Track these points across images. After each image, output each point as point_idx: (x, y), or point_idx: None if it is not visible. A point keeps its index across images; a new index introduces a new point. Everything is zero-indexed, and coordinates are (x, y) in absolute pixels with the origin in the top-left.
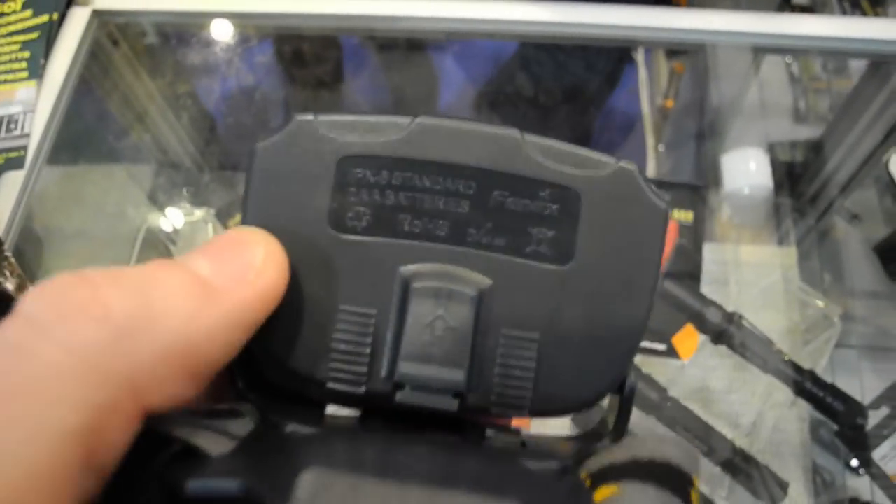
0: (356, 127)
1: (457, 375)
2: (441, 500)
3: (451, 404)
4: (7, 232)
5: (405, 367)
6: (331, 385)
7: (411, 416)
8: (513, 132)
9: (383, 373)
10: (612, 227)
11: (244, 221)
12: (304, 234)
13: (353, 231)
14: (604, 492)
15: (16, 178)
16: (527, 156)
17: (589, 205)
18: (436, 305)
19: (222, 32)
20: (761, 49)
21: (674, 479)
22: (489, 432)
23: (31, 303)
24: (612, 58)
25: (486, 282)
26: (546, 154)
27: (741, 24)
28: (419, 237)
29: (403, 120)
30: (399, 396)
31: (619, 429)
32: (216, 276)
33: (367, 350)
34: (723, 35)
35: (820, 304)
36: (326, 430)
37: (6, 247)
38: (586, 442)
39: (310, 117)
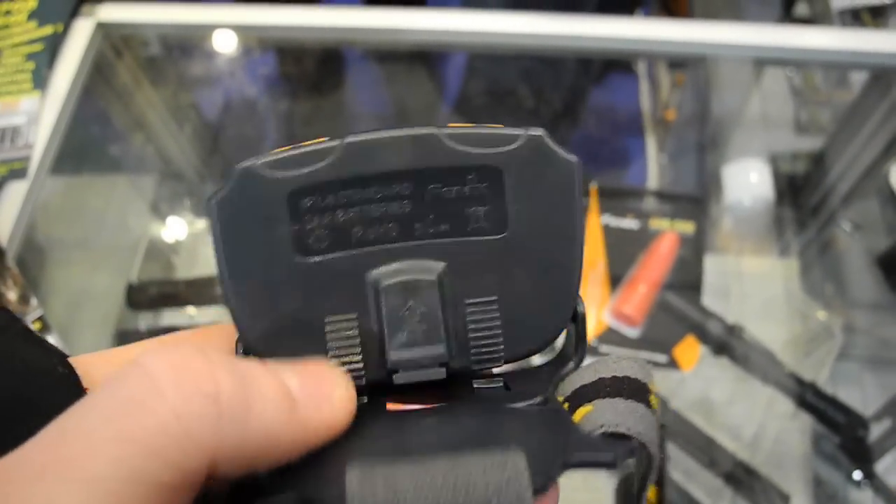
0: (293, 161)
1: (438, 349)
2: (459, 464)
3: (440, 373)
4: (10, 242)
5: (394, 355)
6: None
7: (409, 386)
8: (431, 130)
9: (377, 363)
10: (535, 187)
11: (220, 276)
12: (277, 268)
13: (317, 252)
14: (581, 412)
15: (19, 188)
16: (448, 148)
17: (510, 175)
18: (405, 297)
19: (225, 44)
20: (763, 61)
21: (635, 389)
22: (476, 383)
23: (154, 362)
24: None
25: (441, 265)
26: (464, 142)
27: (743, 36)
28: (375, 242)
29: (333, 143)
30: (396, 378)
31: (581, 351)
32: (301, 396)
33: (359, 349)
34: (724, 47)
35: (821, 315)
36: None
37: (9, 257)
38: (556, 367)
39: (249, 163)
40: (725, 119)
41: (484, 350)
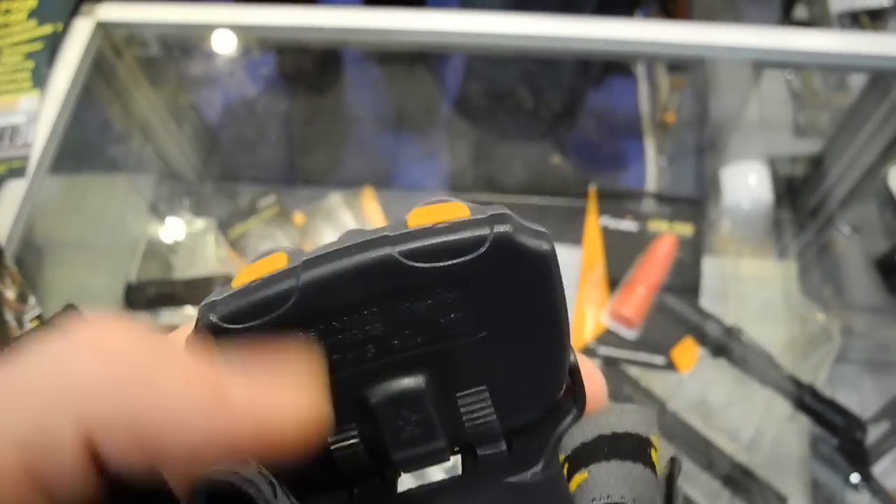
0: (249, 311)
1: (439, 445)
2: None
3: (445, 459)
4: (8, 241)
5: (398, 455)
6: (355, 493)
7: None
8: (386, 252)
9: (383, 460)
10: (508, 285)
11: None
12: None
13: None
14: (577, 480)
15: (18, 187)
16: (409, 268)
17: (480, 280)
18: (398, 409)
19: (224, 44)
20: (761, 63)
21: (634, 447)
22: (479, 450)
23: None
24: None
25: (424, 372)
26: (424, 258)
27: (741, 38)
28: (355, 365)
29: (289, 283)
30: (405, 472)
31: (580, 403)
32: (242, 398)
33: (367, 460)
34: (723, 49)
35: (820, 318)
36: None
37: (7, 255)
38: (555, 421)
39: (212, 319)
40: (724, 122)
41: (483, 434)
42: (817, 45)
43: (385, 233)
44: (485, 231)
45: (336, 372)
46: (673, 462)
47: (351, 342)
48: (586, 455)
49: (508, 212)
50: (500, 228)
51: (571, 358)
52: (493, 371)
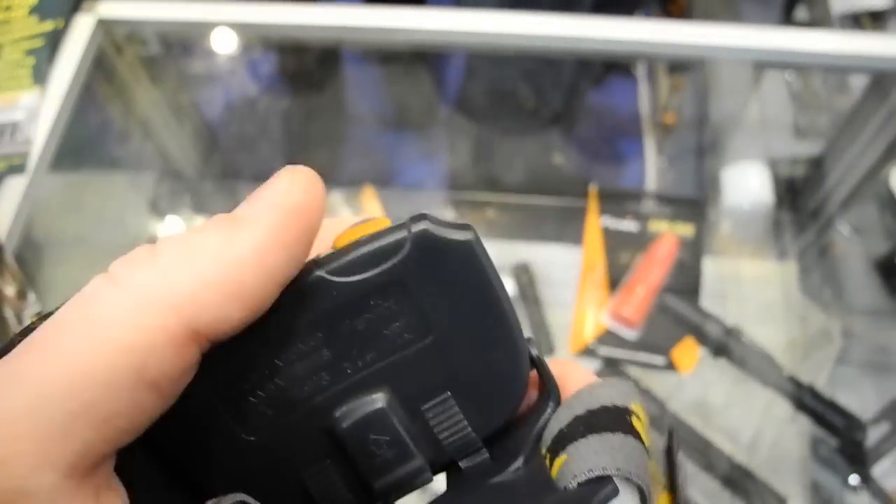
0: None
1: (416, 464)
2: None
3: (427, 479)
4: (8, 237)
5: (378, 484)
6: None
7: None
8: (315, 275)
9: (366, 493)
10: (440, 281)
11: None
12: (238, 456)
13: (264, 427)
14: (557, 465)
15: (17, 183)
16: (337, 285)
17: (411, 282)
18: (365, 432)
19: (225, 42)
20: (762, 64)
21: (611, 419)
22: (462, 462)
23: (114, 265)
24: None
25: (384, 390)
26: (350, 272)
27: (742, 39)
28: (314, 396)
29: None
30: (390, 499)
31: (552, 392)
32: (245, 210)
33: (346, 489)
34: (724, 49)
35: (820, 319)
36: None
37: (7, 252)
38: (536, 414)
39: None
40: (724, 123)
41: (458, 443)
42: (818, 46)
43: (312, 258)
44: (403, 234)
45: (296, 408)
46: (671, 434)
47: (303, 374)
48: (564, 439)
49: (427, 213)
50: (418, 227)
51: (533, 351)
52: (451, 375)
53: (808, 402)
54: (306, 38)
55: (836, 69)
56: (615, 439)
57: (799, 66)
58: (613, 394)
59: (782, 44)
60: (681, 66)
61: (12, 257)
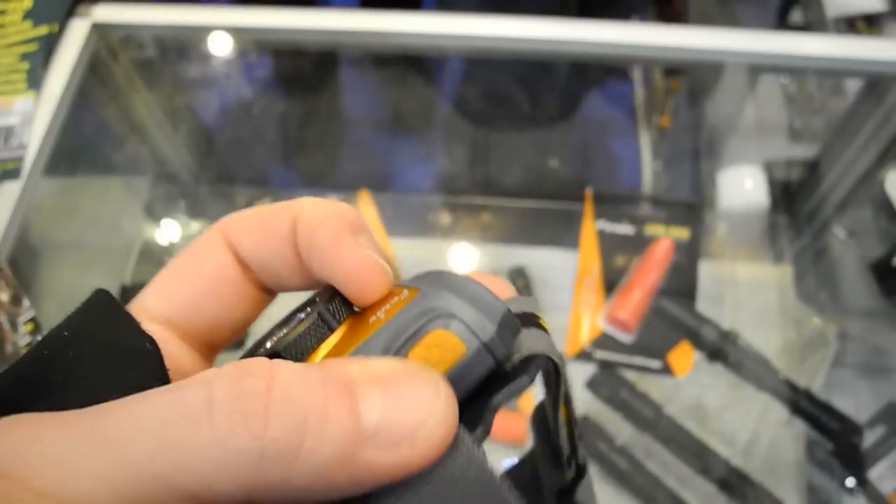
0: None
1: None
2: None
3: None
4: (2, 242)
5: None
6: None
7: None
8: None
9: None
10: None
11: None
12: None
13: None
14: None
15: (12, 188)
16: None
17: None
18: None
19: (220, 46)
20: (758, 67)
21: (530, 319)
22: None
23: (217, 381)
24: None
25: None
26: None
27: (738, 42)
28: None
29: None
30: None
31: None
32: (378, 425)
33: None
34: (720, 53)
35: (816, 322)
36: None
37: (1, 257)
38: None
39: None
40: (720, 126)
41: None
42: (813, 50)
43: None
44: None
45: None
46: (560, 358)
47: None
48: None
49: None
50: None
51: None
52: None
53: (804, 405)
54: (302, 42)
55: (832, 73)
56: (532, 331)
57: (794, 70)
58: (518, 304)
59: (778, 47)
60: (676, 69)
61: (7, 262)
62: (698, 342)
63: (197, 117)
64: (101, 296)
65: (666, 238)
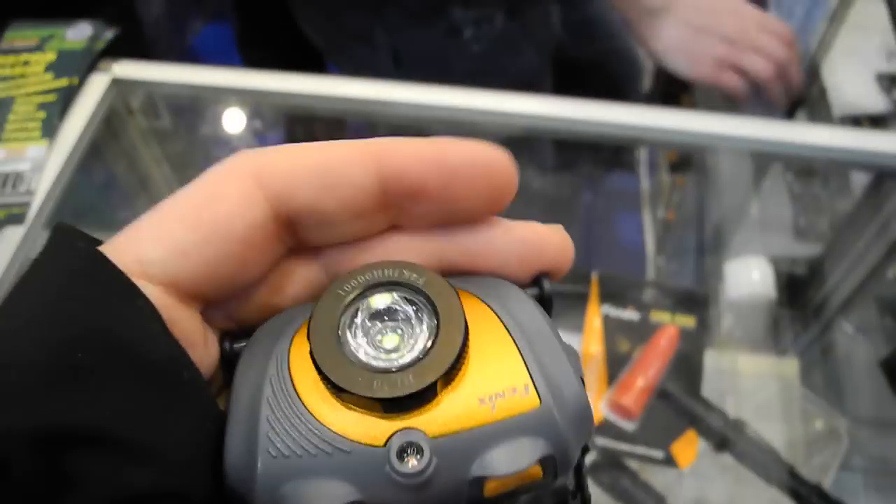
0: None
1: None
2: None
3: None
4: (1, 286)
5: None
6: None
7: None
8: None
9: None
10: None
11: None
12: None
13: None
14: None
15: (15, 233)
16: None
17: None
18: None
19: (236, 108)
20: (766, 156)
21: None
22: None
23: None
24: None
25: None
26: None
27: (748, 129)
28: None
29: None
30: None
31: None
32: None
33: None
34: (726, 139)
35: (824, 418)
36: None
37: None
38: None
39: None
40: (725, 222)
41: None
42: (821, 139)
43: None
44: None
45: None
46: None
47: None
48: None
49: None
50: None
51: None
52: None
53: (816, 503)
54: (315, 108)
55: (839, 164)
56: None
57: (801, 160)
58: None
59: (786, 136)
60: (682, 165)
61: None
62: (704, 430)
63: None
64: (79, 250)
65: (671, 325)
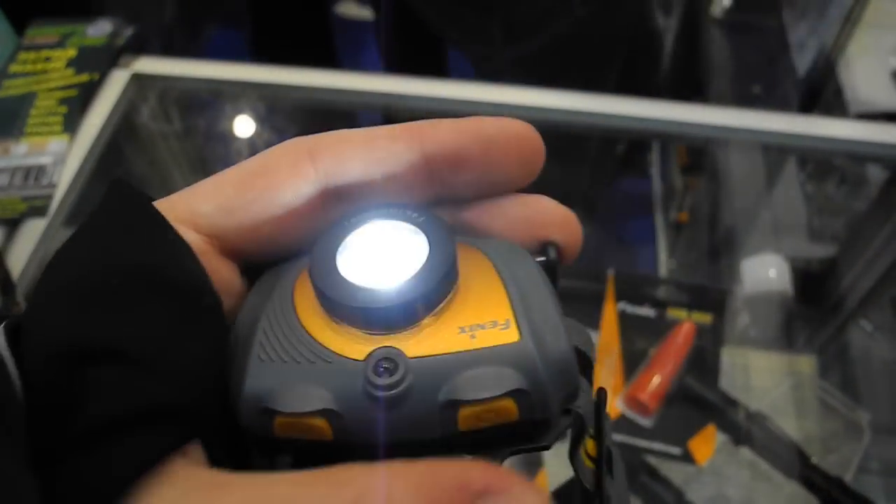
0: None
1: None
2: None
3: None
4: (21, 278)
5: None
6: None
7: None
8: None
9: None
10: None
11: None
12: None
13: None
14: None
15: (37, 226)
16: None
17: None
18: None
19: (255, 102)
20: (783, 148)
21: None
22: None
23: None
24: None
25: None
26: None
27: (758, 122)
28: None
29: None
30: None
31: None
32: None
33: None
34: (739, 131)
35: (845, 412)
36: None
37: (19, 292)
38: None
39: None
40: (738, 224)
41: None
42: (838, 132)
43: None
44: None
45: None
46: (601, 392)
47: None
48: None
49: None
50: None
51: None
52: None
53: (837, 496)
54: (334, 102)
55: (855, 157)
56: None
57: (818, 154)
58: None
59: (803, 129)
60: (694, 167)
61: (23, 297)
62: (723, 423)
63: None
64: (132, 198)
65: (688, 322)
